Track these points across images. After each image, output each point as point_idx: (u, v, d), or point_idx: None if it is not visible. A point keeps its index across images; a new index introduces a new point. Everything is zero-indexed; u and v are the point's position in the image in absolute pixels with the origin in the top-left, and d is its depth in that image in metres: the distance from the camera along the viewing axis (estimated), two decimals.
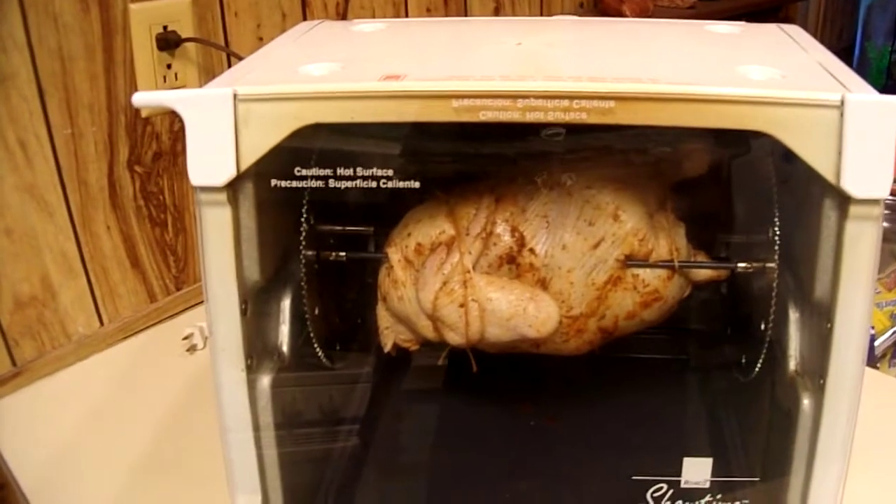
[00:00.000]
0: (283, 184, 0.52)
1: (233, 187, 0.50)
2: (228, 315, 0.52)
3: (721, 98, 0.47)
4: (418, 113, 0.47)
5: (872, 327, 0.95)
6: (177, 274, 1.01)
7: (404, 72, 0.50)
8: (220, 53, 0.97)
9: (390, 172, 0.51)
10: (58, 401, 0.89)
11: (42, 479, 0.80)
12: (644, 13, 1.45)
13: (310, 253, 0.60)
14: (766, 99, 0.47)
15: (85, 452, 0.82)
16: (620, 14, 1.42)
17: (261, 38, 1.02)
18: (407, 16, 1.18)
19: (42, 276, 0.89)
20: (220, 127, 0.49)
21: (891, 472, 0.73)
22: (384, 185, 0.51)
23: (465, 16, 1.27)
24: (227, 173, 0.49)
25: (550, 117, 0.47)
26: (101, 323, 0.95)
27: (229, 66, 0.98)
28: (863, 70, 1.99)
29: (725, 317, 0.69)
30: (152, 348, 0.97)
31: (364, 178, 0.51)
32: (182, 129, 0.89)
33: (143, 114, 0.92)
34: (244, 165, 0.49)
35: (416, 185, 0.51)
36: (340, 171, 0.51)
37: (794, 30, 0.65)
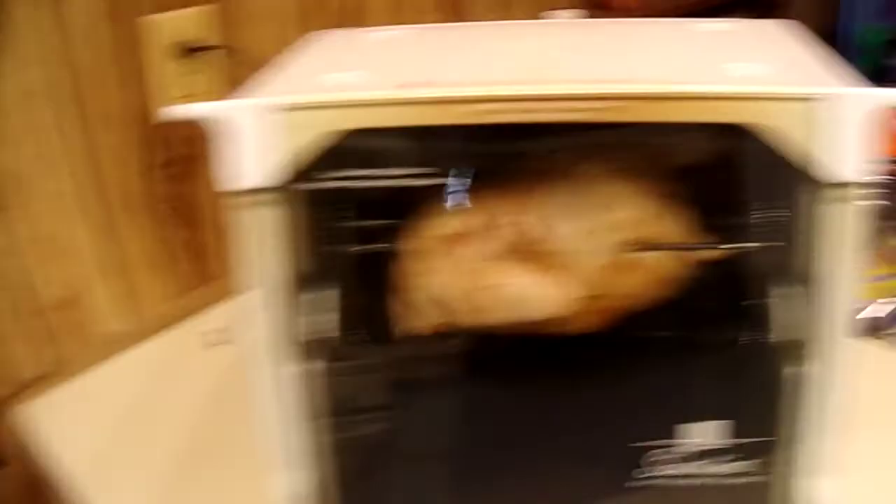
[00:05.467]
0: (320, 186, 0.57)
1: (270, 190, 0.54)
2: (272, 309, 0.57)
3: (715, 95, 0.52)
4: (448, 117, 0.52)
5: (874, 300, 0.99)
6: (201, 272, 1.05)
7: (428, 78, 0.54)
8: (240, 61, 1.01)
9: (423, 171, 0.56)
10: (95, 396, 0.94)
11: (88, 470, 0.83)
12: (646, 3, 1.46)
13: (342, 246, 0.64)
14: (753, 95, 0.51)
15: (127, 444, 0.86)
16: (623, 5, 1.43)
17: (280, 45, 1.05)
18: (410, 16, 1.24)
19: (75, 278, 0.94)
20: (258, 135, 0.53)
21: (883, 435, 0.78)
22: (420, 185, 0.56)
23: (465, 13, 1.34)
24: (263, 178, 0.54)
25: (567, 117, 0.52)
26: (132, 322, 1.00)
27: (249, 73, 1.02)
28: (848, 53, 2.01)
29: (718, 292, 0.73)
30: (181, 344, 1.01)
31: (400, 177, 0.56)
32: (204, 133, 0.94)
33: (167, 120, 0.96)
34: (281, 170, 0.53)
35: (450, 182, 0.56)
36: (375, 171, 0.56)
37: (789, 25, 0.69)
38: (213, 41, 0.98)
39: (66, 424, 0.90)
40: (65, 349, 0.95)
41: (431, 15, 1.28)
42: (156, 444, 0.85)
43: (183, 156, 1.00)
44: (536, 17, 1.43)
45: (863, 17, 2.09)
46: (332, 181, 0.58)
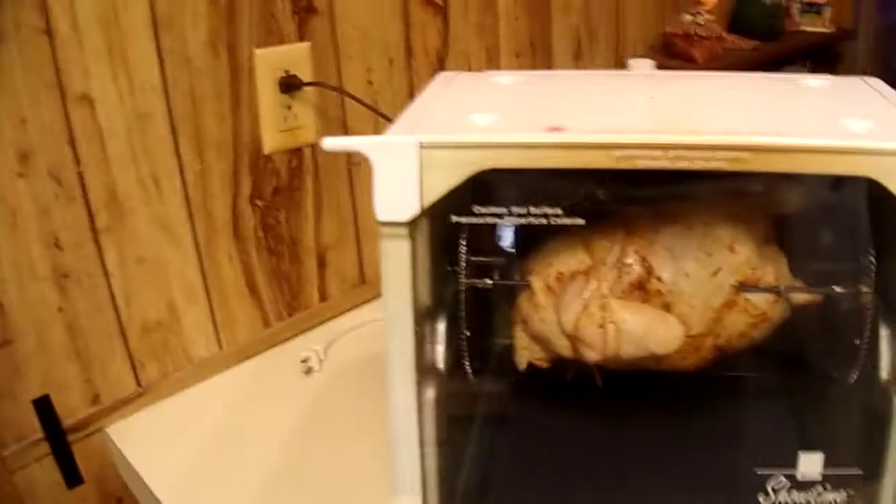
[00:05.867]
0: (463, 220, 0.60)
1: (413, 223, 0.57)
2: (403, 334, 0.59)
3: (836, 149, 0.54)
4: (583, 161, 0.55)
5: None
6: (290, 301, 1.08)
7: (562, 123, 0.57)
8: (334, 95, 1.05)
9: (555, 210, 0.59)
10: (180, 419, 0.96)
11: (172, 493, 0.85)
12: (713, 56, 1.53)
13: (464, 280, 0.67)
14: (872, 149, 0.54)
15: (212, 468, 0.88)
16: (690, 57, 1.50)
17: (370, 82, 1.10)
18: (499, 59, 1.28)
19: (168, 302, 0.96)
20: (406, 170, 0.56)
21: None
22: (552, 223, 0.59)
23: (550, 58, 1.37)
24: (410, 211, 0.56)
25: (695, 165, 0.54)
26: (220, 347, 1.03)
27: (343, 108, 1.06)
28: None
29: (819, 334, 0.75)
30: (268, 370, 1.04)
31: (535, 215, 0.59)
32: (299, 166, 0.97)
33: (266, 152, 1.00)
34: (425, 204, 0.56)
35: (581, 222, 0.59)
36: (512, 208, 0.59)
37: (876, 82, 0.72)
38: (311, 77, 1.02)
39: (153, 446, 0.92)
40: (155, 371, 0.97)
41: (517, 58, 1.32)
42: (242, 470, 0.87)
43: (283, 186, 1.04)
44: (609, 63, 1.49)
45: None
46: (468, 217, 0.60)
